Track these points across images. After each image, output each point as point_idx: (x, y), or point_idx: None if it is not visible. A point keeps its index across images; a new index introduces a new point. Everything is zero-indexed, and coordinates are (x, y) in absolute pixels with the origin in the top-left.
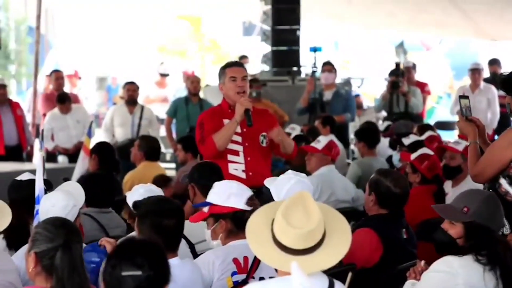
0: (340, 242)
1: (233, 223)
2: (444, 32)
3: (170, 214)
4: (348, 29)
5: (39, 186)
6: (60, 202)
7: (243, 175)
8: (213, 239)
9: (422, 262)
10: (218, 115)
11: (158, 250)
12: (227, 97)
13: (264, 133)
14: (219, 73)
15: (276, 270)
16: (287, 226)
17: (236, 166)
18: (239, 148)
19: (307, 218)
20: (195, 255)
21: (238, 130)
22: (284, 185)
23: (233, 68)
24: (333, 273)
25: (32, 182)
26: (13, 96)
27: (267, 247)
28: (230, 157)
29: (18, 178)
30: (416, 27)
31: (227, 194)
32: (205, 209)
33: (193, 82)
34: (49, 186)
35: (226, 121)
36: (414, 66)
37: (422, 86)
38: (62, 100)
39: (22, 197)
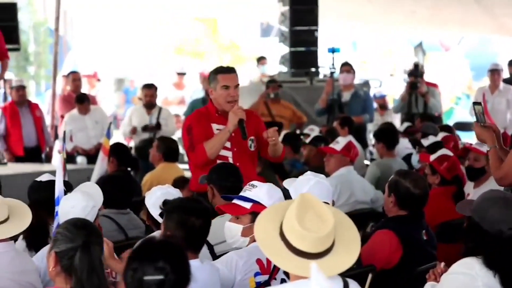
0: (351, 242)
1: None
2: (465, 30)
3: (198, 213)
4: (366, 29)
5: (59, 187)
6: (80, 203)
7: None
8: (244, 235)
9: (442, 264)
10: (205, 119)
11: (180, 252)
12: (216, 103)
13: (252, 137)
14: (211, 77)
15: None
16: (304, 231)
17: None
18: (229, 154)
19: (322, 221)
20: (213, 256)
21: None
22: (303, 186)
23: (226, 75)
24: (353, 274)
25: (51, 183)
26: (32, 97)
27: (282, 254)
28: (219, 162)
29: (38, 179)
30: (436, 25)
31: (278, 197)
32: (247, 205)
33: None
34: (69, 187)
35: (214, 125)
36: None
37: (432, 87)
38: (81, 100)
39: (42, 198)
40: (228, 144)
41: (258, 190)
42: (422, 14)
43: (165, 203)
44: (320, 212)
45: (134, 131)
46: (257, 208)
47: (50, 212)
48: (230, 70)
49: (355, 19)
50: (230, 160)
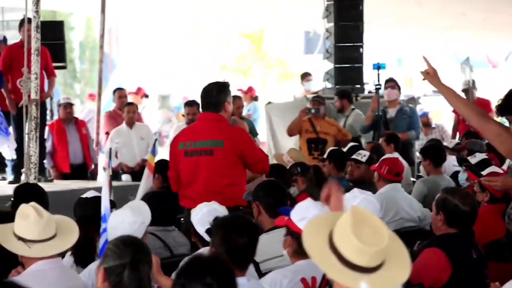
0: (403, 257)
1: (298, 244)
2: None
3: (242, 231)
4: (412, 43)
5: (105, 204)
6: (128, 219)
7: None
8: (284, 248)
9: (497, 284)
10: None
11: (227, 268)
12: (227, 116)
13: None
14: (227, 91)
15: None
16: (361, 244)
17: None
18: None
19: (378, 234)
20: (259, 274)
21: None
22: (350, 203)
23: None
24: None
25: (97, 199)
26: (78, 115)
27: (337, 268)
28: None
29: (84, 195)
30: (486, 33)
31: (303, 216)
32: (287, 217)
33: (238, 107)
34: (113, 205)
35: None
36: (473, 83)
37: (484, 103)
38: (130, 102)
39: (88, 214)
40: None
41: (298, 205)
42: (473, 18)
43: (215, 220)
44: (375, 225)
45: None
46: (289, 223)
47: (97, 228)
48: None
49: (403, 23)
50: None
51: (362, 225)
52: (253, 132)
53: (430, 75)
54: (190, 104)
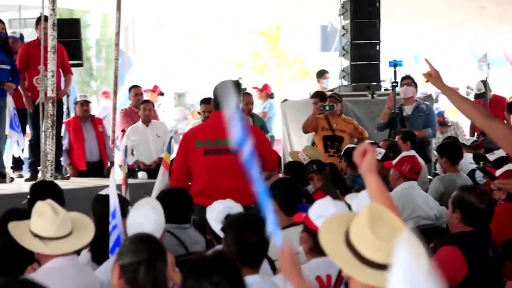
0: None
1: (314, 241)
2: None
3: (254, 229)
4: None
5: (114, 201)
6: (152, 216)
7: None
8: (300, 245)
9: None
10: None
11: (233, 265)
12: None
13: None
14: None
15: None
16: (379, 241)
17: None
18: None
19: (395, 231)
20: (274, 271)
21: None
22: (366, 201)
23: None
24: None
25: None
26: (94, 112)
27: (354, 264)
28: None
29: (101, 192)
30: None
31: (320, 213)
32: (304, 214)
33: (247, 103)
34: (127, 203)
35: None
36: (487, 84)
37: (500, 100)
38: (147, 100)
39: (107, 211)
40: None
41: (316, 202)
42: (491, 12)
43: (227, 218)
44: (392, 222)
45: None
46: (306, 220)
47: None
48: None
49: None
50: None
51: (379, 222)
52: (264, 130)
53: (433, 76)
54: (206, 101)
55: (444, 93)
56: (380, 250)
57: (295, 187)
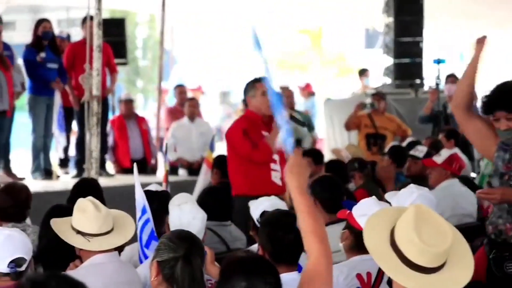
0: (465, 257)
1: (355, 239)
2: None
3: (288, 228)
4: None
5: (142, 195)
6: (199, 214)
7: (280, 183)
8: (340, 241)
9: None
10: (257, 125)
11: (272, 267)
12: (257, 110)
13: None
14: (248, 87)
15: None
16: (424, 245)
17: (276, 174)
18: (277, 157)
19: (441, 234)
20: None
21: None
22: (406, 199)
23: (262, 83)
24: None
25: (159, 193)
26: (139, 111)
27: (398, 267)
28: (272, 165)
29: (146, 188)
30: None
31: (364, 212)
32: (348, 211)
33: (287, 97)
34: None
35: (264, 133)
36: None
37: None
38: (192, 97)
39: (153, 207)
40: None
41: (361, 201)
42: None
43: (261, 215)
44: (438, 225)
45: None
46: (350, 217)
47: (161, 222)
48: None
49: (465, 17)
50: (278, 163)
51: (425, 224)
52: (311, 126)
53: (483, 43)
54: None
55: (473, 61)
56: (424, 254)
57: (337, 185)
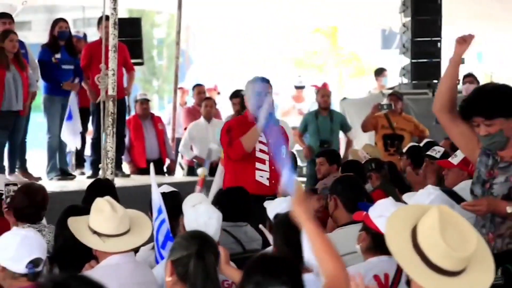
0: (486, 260)
1: (372, 240)
2: None
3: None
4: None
5: (159, 196)
6: (214, 214)
7: (267, 183)
8: (357, 243)
9: None
10: (244, 125)
11: (298, 268)
12: (250, 109)
13: (284, 145)
14: (246, 86)
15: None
16: (449, 249)
17: (262, 173)
18: (266, 157)
19: (465, 238)
20: None
21: (265, 140)
22: (424, 199)
23: (258, 84)
24: None
25: (174, 193)
26: (155, 111)
27: (419, 269)
28: (257, 165)
29: (161, 189)
30: None
31: (381, 213)
32: (364, 213)
33: (323, 96)
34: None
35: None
36: None
37: None
38: (209, 97)
39: (167, 208)
40: (265, 148)
41: (378, 202)
42: None
43: (275, 217)
44: (463, 229)
45: None
46: (366, 218)
47: (176, 222)
48: (263, 80)
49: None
50: (267, 164)
51: (450, 227)
52: (345, 127)
53: (466, 42)
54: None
55: (453, 61)
56: (449, 258)
57: (358, 185)
